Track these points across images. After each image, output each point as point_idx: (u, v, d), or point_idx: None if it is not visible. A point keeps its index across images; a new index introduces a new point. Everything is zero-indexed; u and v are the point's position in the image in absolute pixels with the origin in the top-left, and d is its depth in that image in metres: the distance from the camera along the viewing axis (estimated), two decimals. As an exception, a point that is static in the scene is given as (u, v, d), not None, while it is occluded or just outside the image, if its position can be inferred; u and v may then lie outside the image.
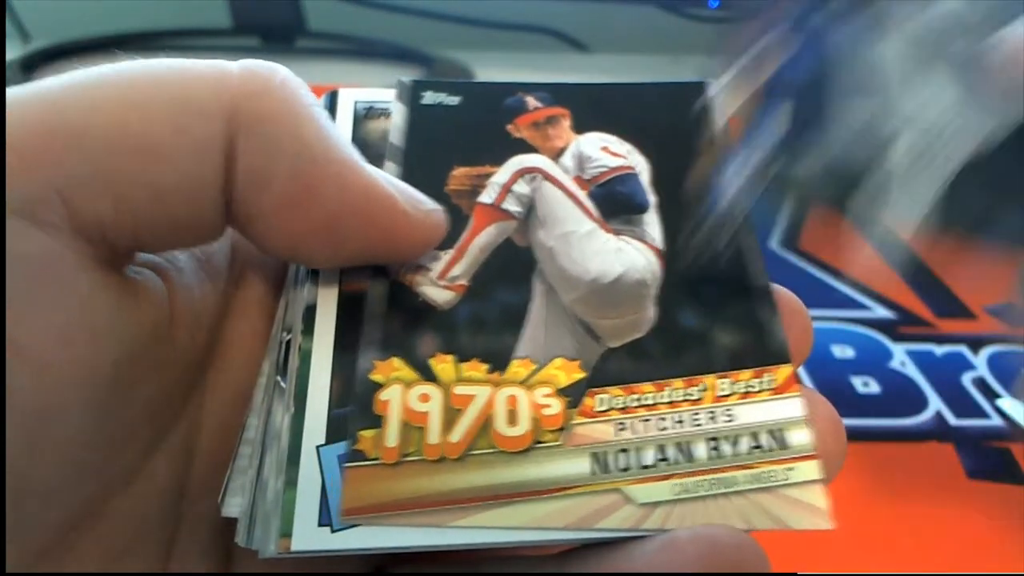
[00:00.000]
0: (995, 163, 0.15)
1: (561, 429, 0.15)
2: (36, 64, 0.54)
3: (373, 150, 0.18)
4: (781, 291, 0.17)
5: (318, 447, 0.15)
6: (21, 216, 0.12)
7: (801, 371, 0.33)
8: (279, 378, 0.16)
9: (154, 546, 0.15)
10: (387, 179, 0.15)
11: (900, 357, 0.33)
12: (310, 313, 0.16)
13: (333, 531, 0.14)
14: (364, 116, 0.19)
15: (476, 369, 0.16)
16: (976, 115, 0.15)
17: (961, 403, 0.31)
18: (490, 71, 0.59)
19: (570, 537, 0.14)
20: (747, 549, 0.14)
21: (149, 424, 0.15)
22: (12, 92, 0.13)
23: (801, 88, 0.17)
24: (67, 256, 0.13)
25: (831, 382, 0.32)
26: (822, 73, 0.17)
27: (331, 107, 0.19)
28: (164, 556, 0.15)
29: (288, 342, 0.16)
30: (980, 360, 0.34)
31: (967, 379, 0.33)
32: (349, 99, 0.20)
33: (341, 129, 0.18)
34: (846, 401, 0.31)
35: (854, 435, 0.30)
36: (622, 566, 0.14)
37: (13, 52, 0.55)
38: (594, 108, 0.20)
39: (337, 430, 0.15)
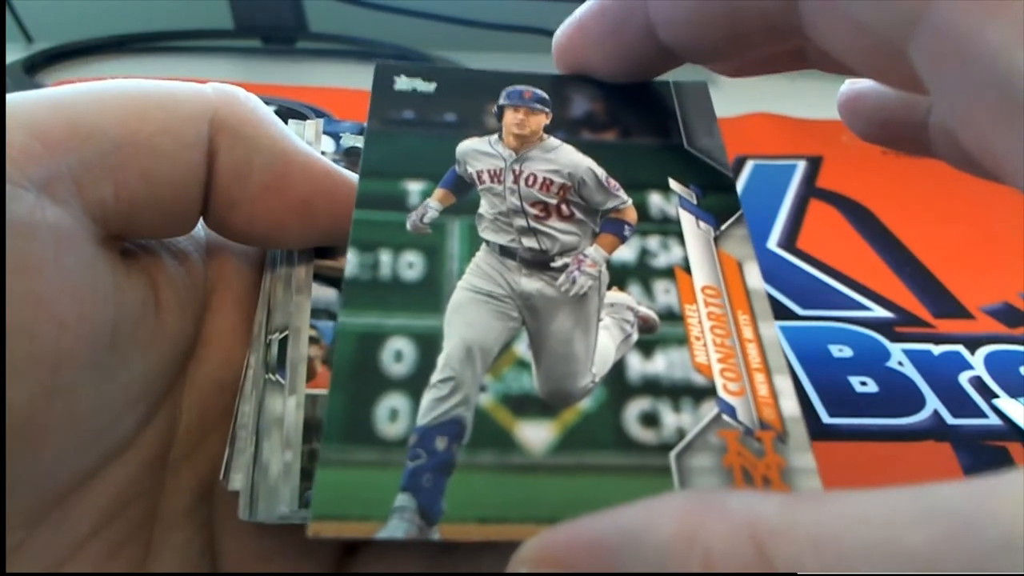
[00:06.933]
0: None
1: None
2: (38, 66, 0.54)
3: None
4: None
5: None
6: (42, 191, 0.15)
7: (800, 370, 0.33)
8: (271, 375, 0.18)
9: (140, 511, 0.18)
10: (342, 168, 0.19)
11: (898, 357, 0.34)
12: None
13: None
14: None
15: None
16: None
17: (958, 402, 0.31)
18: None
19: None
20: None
21: (143, 398, 0.18)
22: (37, 95, 0.16)
23: None
24: (76, 227, 0.15)
25: (830, 381, 0.32)
26: None
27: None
28: (150, 520, 0.18)
29: (283, 340, 0.18)
30: (977, 360, 0.34)
31: (964, 379, 0.33)
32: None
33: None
34: (845, 400, 0.31)
35: (853, 434, 0.30)
36: None
37: (15, 54, 0.55)
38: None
39: None
